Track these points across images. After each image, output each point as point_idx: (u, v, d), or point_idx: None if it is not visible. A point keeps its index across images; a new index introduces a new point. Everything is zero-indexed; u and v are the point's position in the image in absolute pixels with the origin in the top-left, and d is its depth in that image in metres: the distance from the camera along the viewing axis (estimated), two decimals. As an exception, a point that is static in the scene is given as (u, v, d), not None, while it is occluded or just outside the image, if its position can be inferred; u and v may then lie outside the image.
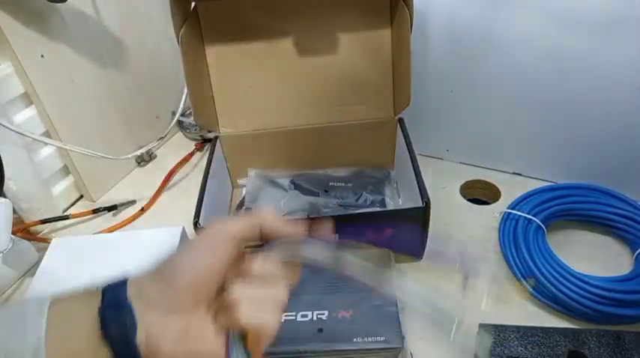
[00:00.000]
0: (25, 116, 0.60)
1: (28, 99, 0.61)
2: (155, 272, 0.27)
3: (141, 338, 0.25)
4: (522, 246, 0.52)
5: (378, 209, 0.61)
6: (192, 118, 0.81)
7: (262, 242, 0.30)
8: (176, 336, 0.26)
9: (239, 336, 0.28)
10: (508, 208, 0.58)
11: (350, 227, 0.52)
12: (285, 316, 0.45)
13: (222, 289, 0.28)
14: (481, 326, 0.43)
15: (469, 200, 0.66)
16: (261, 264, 0.28)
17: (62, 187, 0.69)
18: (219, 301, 0.28)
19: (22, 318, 0.25)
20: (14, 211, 0.56)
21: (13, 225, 0.54)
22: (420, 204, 0.49)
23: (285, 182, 0.67)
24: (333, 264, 0.31)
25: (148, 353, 0.26)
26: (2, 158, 0.53)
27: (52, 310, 0.25)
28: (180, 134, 0.86)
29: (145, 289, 0.26)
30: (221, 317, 0.27)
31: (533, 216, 0.55)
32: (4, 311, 0.27)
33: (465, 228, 0.59)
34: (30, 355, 0.24)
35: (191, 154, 0.79)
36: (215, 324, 0.28)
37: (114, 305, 0.25)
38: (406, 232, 0.52)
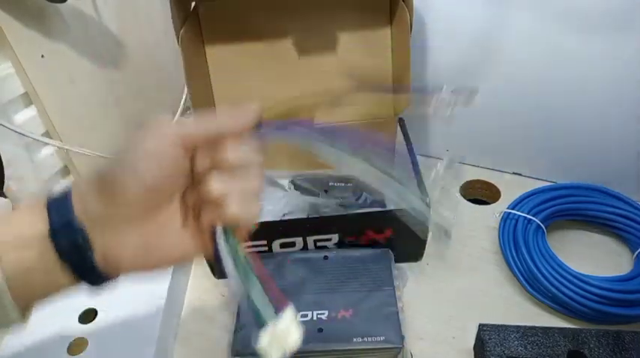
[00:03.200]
0: (25, 116, 0.60)
1: (28, 99, 0.61)
2: (98, 185, 0.25)
3: (98, 254, 0.25)
4: (522, 246, 0.52)
5: (378, 209, 0.61)
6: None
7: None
8: (136, 250, 0.25)
9: (225, 229, 0.27)
10: (508, 208, 0.58)
11: (350, 227, 0.52)
12: (285, 316, 0.45)
13: (192, 184, 0.27)
14: (481, 326, 0.43)
15: (469, 200, 0.66)
16: (236, 152, 0.26)
17: (63, 187, 0.69)
18: (194, 198, 0.26)
19: None
20: (14, 211, 0.56)
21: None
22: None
23: (285, 182, 0.67)
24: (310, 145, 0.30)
25: (108, 267, 0.25)
26: (2, 158, 0.53)
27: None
28: (180, 134, 0.85)
29: (90, 205, 0.25)
30: (206, 214, 0.26)
31: (533, 216, 0.55)
32: None
33: (465, 228, 0.59)
34: None
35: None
36: (183, 224, 0.26)
37: (63, 226, 0.24)
38: (406, 232, 0.52)
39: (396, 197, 0.33)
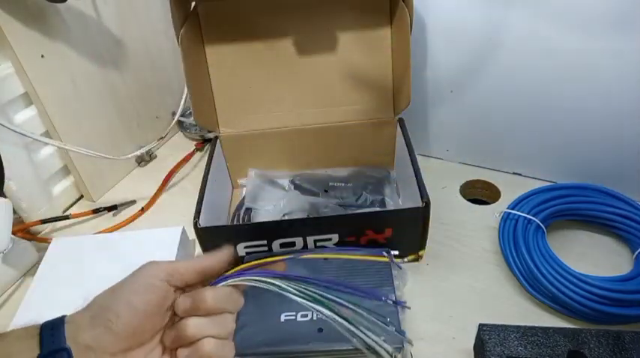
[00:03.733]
0: (25, 116, 0.60)
1: (28, 99, 0.61)
2: (92, 314, 0.28)
3: None
4: (522, 246, 0.52)
5: (378, 209, 0.61)
6: (192, 118, 0.81)
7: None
8: None
9: None
10: (508, 208, 0.58)
11: (350, 227, 0.52)
12: (285, 316, 0.45)
13: (170, 321, 0.30)
14: (481, 326, 0.43)
15: (469, 200, 0.66)
16: (214, 298, 0.29)
17: (62, 187, 0.69)
18: (172, 337, 0.29)
19: None
20: (14, 211, 0.56)
21: (13, 225, 0.54)
22: (420, 204, 0.49)
23: (285, 182, 0.67)
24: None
25: None
26: (2, 158, 0.53)
27: None
28: (180, 134, 0.86)
29: (82, 332, 0.27)
30: (183, 352, 0.29)
31: (533, 216, 0.55)
32: None
33: (465, 228, 0.59)
34: None
35: (191, 154, 0.79)
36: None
37: (52, 352, 0.26)
38: (406, 232, 0.52)
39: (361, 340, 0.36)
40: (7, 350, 0.26)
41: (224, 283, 0.32)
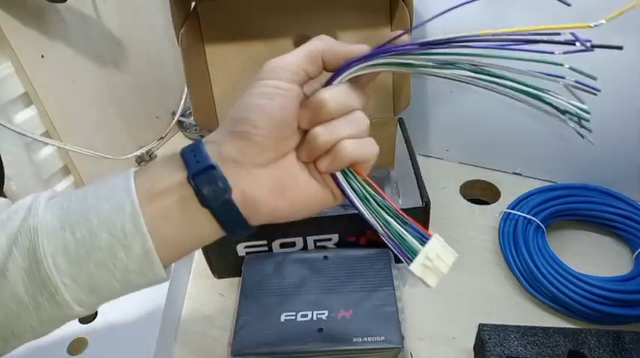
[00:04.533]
0: (25, 116, 0.60)
1: (28, 99, 0.61)
2: (229, 128, 0.27)
3: (237, 197, 0.26)
4: (522, 246, 0.52)
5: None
6: (192, 118, 0.81)
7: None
8: (271, 189, 0.27)
9: (346, 171, 0.28)
10: (508, 208, 0.58)
11: (350, 227, 0.52)
12: (285, 316, 0.45)
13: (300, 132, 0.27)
14: (481, 326, 0.43)
15: (469, 200, 0.66)
16: (334, 99, 0.26)
17: (62, 187, 0.69)
18: (307, 151, 0.27)
19: (109, 190, 0.26)
20: (14, 211, 0.56)
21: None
22: (419, 203, 0.49)
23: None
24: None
25: (248, 210, 0.26)
26: (2, 158, 0.53)
27: (138, 180, 0.26)
28: (180, 134, 0.86)
29: (224, 148, 0.26)
30: (323, 161, 0.27)
31: (533, 216, 0.55)
32: (89, 188, 0.26)
33: (465, 228, 0.59)
34: (130, 223, 0.25)
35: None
36: (307, 169, 0.28)
37: (203, 172, 0.25)
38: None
39: None
40: (153, 178, 0.26)
41: (338, 79, 0.27)
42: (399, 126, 0.63)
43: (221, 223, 0.26)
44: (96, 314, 0.47)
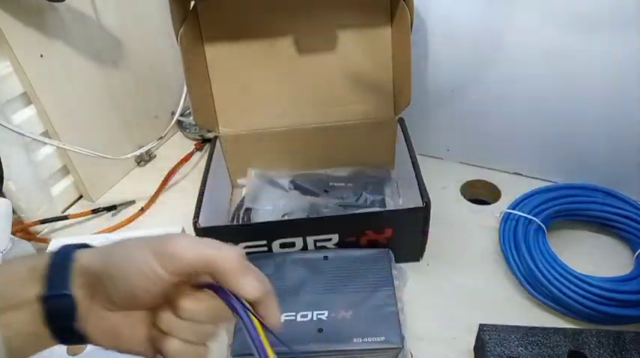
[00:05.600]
0: (24, 116, 0.60)
1: (27, 98, 0.61)
2: (101, 265, 0.27)
3: (79, 326, 0.27)
4: (522, 246, 0.52)
5: (378, 209, 0.61)
6: (191, 118, 0.80)
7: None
8: (106, 332, 0.28)
9: None
10: (508, 208, 0.58)
11: (350, 227, 0.52)
12: (285, 316, 0.45)
13: (167, 299, 0.28)
14: (481, 326, 0.43)
15: (469, 200, 0.66)
16: (190, 310, 0.27)
17: (62, 187, 0.69)
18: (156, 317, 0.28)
19: None
20: (13, 211, 0.56)
21: (13, 225, 0.54)
22: (420, 204, 0.49)
23: (285, 182, 0.67)
24: None
25: (84, 337, 0.28)
26: (1, 158, 0.53)
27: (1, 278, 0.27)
28: (179, 134, 0.85)
29: (88, 277, 0.27)
30: (155, 333, 0.28)
31: (534, 216, 0.55)
32: None
33: (465, 228, 0.59)
34: None
35: (191, 154, 0.79)
36: (147, 332, 0.28)
37: (57, 295, 0.26)
38: (406, 232, 0.52)
39: None
40: (11, 283, 0.27)
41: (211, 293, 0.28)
42: (399, 126, 0.63)
43: (58, 341, 0.28)
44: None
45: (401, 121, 0.63)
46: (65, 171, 0.69)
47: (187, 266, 0.26)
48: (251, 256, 0.52)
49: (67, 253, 0.28)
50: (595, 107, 0.57)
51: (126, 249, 0.27)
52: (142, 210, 0.68)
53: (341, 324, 0.44)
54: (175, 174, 0.76)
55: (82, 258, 0.27)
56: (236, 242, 0.51)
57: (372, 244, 0.53)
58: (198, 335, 0.28)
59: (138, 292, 0.26)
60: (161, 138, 0.77)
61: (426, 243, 0.54)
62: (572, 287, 0.47)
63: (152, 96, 0.80)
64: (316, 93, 0.64)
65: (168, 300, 0.28)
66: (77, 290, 0.26)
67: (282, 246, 0.53)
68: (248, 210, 0.64)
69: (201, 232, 0.49)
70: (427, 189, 0.50)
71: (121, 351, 0.29)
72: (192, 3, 0.58)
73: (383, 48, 0.61)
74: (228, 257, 0.27)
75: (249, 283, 0.27)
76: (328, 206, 0.62)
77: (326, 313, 0.45)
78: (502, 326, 0.42)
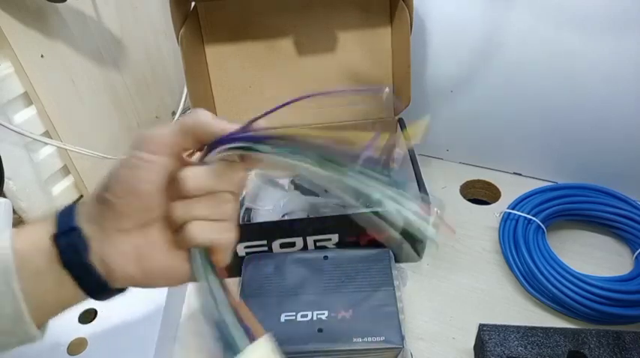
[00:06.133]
0: (24, 116, 0.60)
1: (27, 99, 0.61)
2: (95, 195, 0.27)
3: (95, 258, 0.26)
4: (522, 246, 0.52)
5: (378, 209, 0.61)
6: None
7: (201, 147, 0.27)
8: (127, 255, 0.27)
9: (200, 250, 0.27)
10: (508, 208, 0.58)
11: (350, 227, 0.52)
12: (285, 316, 0.45)
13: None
14: (481, 326, 0.43)
15: (469, 200, 0.66)
16: (194, 178, 0.26)
17: (62, 187, 0.69)
18: (169, 221, 0.27)
19: None
20: (14, 211, 0.56)
21: (13, 225, 0.54)
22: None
23: (285, 182, 0.67)
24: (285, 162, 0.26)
25: (106, 273, 0.26)
26: (2, 158, 0.53)
27: (15, 239, 0.26)
28: (180, 134, 0.85)
29: (91, 212, 0.27)
30: (175, 237, 0.27)
31: (534, 216, 0.55)
32: None
33: (465, 228, 0.59)
34: (2, 284, 0.25)
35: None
36: (170, 242, 0.27)
37: (65, 231, 0.26)
38: (406, 232, 0.52)
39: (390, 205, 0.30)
40: (28, 236, 0.26)
41: (211, 156, 0.27)
42: (399, 126, 0.63)
43: (80, 285, 0.26)
44: (95, 314, 0.47)
45: (401, 121, 0.63)
46: (66, 171, 0.69)
47: (168, 137, 0.26)
48: (251, 256, 0.52)
49: (71, 204, 0.28)
50: (595, 107, 0.57)
51: (114, 165, 0.27)
52: (143, 210, 0.68)
53: (341, 324, 0.44)
54: (176, 174, 0.76)
55: (82, 201, 0.28)
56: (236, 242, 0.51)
57: (372, 244, 0.53)
58: (215, 208, 0.27)
59: (139, 187, 0.26)
60: (161, 138, 0.77)
61: (426, 243, 0.54)
62: (571, 287, 0.47)
63: (153, 97, 0.80)
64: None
65: (172, 198, 0.27)
66: (84, 224, 0.26)
67: (282, 246, 0.53)
68: (248, 210, 0.64)
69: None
70: (427, 189, 0.50)
71: (151, 276, 0.28)
72: (193, 4, 0.59)
73: (383, 48, 0.61)
74: (198, 115, 0.26)
75: (227, 124, 0.27)
76: (328, 206, 0.62)
77: (326, 313, 0.45)
78: (502, 326, 0.42)
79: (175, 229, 0.27)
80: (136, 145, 0.26)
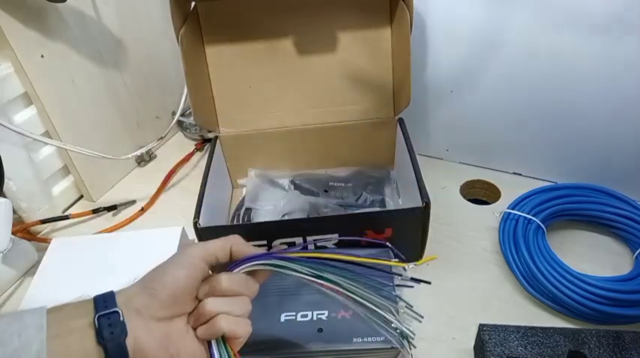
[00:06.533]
0: (25, 116, 0.60)
1: (27, 99, 0.61)
2: (141, 285, 0.32)
3: (129, 341, 0.29)
4: (522, 246, 0.52)
5: (378, 209, 0.61)
6: (192, 118, 0.81)
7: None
8: (159, 341, 0.31)
9: (219, 340, 0.33)
10: (508, 208, 0.58)
11: (350, 227, 0.52)
12: (285, 316, 0.45)
13: (196, 301, 0.33)
14: (481, 326, 0.43)
15: (469, 200, 0.66)
16: (229, 281, 0.33)
17: (62, 187, 0.69)
18: (195, 316, 0.33)
19: (22, 325, 0.28)
20: (14, 211, 0.56)
21: (13, 225, 0.54)
22: (420, 204, 0.49)
23: (285, 182, 0.67)
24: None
25: (136, 355, 0.30)
26: (2, 158, 0.53)
27: (50, 317, 0.28)
28: (180, 134, 0.86)
29: (132, 299, 0.31)
30: (201, 328, 0.33)
31: (533, 216, 0.55)
32: (3, 319, 0.29)
33: (465, 228, 0.59)
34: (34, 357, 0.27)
35: (191, 154, 0.79)
36: (193, 332, 0.33)
37: (107, 313, 0.29)
38: (406, 232, 0.52)
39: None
40: (64, 318, 0.29)
41: (238, 269, 0.35)
42: (399, 126, 0.63)
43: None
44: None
45: (401, 121, 0.63)
46: (66, 171, 0.69)
47: (213, 249, 0.34)
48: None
49: (106, 292, 0.31)
50: (595, 107, 0.57)
51: (163, 263, 0.33)
52: (143, 210, 0.68)
53: (341, 324, 0.44)
54: (176, 174, 0.76)
55: (122, 289, 0.32)
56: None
57: (372, 244, 0.53)
58: (239, 306, 0.34)
59: (186, 281, 0.32)
60: (162, 138, 0.77)
61: (425, 243, 0.54)
62: (571, 287, 0.47)
63: (153, 97, 0.80)
64: (316, 93, 0.64)
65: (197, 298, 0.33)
66: (122, 308, 0.30)
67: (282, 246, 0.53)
68: (248, 210, 0.64)
69: (202, 232, 0.49)
70: (427, 189, 0.50)
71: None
72: (193, 4, 0.59)
73: (383, 48, 0.61)
74: (235, 238, 0.36)
75: (253, 248, 0.36)
76: (328, 206, 0.62)
77: (326, 313, 0.45)
78: (502, 326, 0.42)
79: (202, 322, 0.33)
80: (191, 250, 0.34)
